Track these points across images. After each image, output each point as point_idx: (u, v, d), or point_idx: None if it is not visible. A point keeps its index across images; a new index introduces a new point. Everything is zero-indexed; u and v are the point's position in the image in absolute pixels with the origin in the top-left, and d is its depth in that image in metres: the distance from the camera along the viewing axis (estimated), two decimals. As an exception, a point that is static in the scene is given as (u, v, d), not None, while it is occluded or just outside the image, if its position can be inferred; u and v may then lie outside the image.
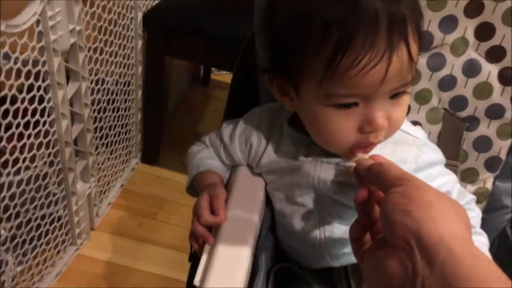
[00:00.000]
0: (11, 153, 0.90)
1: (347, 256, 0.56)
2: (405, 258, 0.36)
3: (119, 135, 1.37)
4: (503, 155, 0.67)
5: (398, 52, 0.45)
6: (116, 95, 1.29)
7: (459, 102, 0.66)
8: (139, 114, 1.47)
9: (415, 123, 0.67)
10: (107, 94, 1.24)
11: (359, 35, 0.44)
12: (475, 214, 0.60)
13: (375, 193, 0.46)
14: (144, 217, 1.39)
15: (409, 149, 0.56)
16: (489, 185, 0.69)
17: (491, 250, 0.66)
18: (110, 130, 1.30)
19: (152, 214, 1.40)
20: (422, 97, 0.67)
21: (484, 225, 0.64)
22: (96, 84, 1.16)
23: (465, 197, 0.60)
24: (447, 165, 0.64)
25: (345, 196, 0.55)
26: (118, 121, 1.34)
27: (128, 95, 1.37)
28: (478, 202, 0.68)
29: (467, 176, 0.69)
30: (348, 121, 0.49)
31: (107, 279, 1.20)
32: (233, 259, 0.48)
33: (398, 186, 0.41)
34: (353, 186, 0.54)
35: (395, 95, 0.49)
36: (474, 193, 0.69)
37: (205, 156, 0.65)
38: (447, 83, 0.66)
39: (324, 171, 0.55)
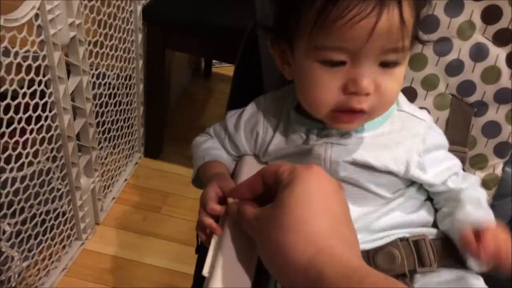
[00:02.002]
0: (14, 149, 0.89)
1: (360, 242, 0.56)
2: None
3: (121, 130, 1.36)
4: (512, 140, 0.66)
5: (389, 11, 0.46)
6: (118, 89, 1.28)
7: (467, 87, 0.65)
8: (141, 108, 1.46)
9: (422, 109, 0.66)
10: (109, 88, 1.23)
11: None
12: (480, 194, 0.59)
13: None
14: (148, 211, 1.38)
15: (417, 131, 0.56)
16: (498, 171, 0.68)
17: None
18: (112, 124, 1.29)
19: (157, 208, 1.40)
20: (429, 83, 0.66)
21: (494, 212, 0.63)
22: (97, 78, 1.15)
23: (468, 179, 0.59)
24: (456, 152, 0.63)
25: (358, 177, 0.55)
26: (120, 115, 1.33)
27: (130, 89, 1.36)
28: (487, 188, 0.67)
29: (476, 163, 0.68)
30: (333, 79, 0.49)
31: (113, 273, 1.20)
32: (241, 250, 0.47)
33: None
34: (365, 167, 0.54)
35: (386, 65, 0.49)
36: (484, 179, 0.68)
37: (210, 147, 0.64)
38: (454, 68, 0.64)
39: (335, 153, 0.55)
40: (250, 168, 0.60)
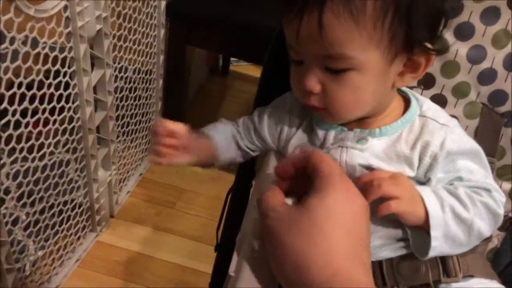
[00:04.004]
0: (37, 139, 0.90)
1: (382, 249, 0.55)
2: None
3: (139, 124, 1.37)
4: (541, 153, 0.65)
5: (309, 18, 0.47)
6: (138, 83, 1.28)
7: (499, 97, 0.64)
8: (160, 103, 1.47)
9: (452, 117, 0.65)
10: (129, 82, 1.23)
11: None
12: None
13: None
14: (162, 206, 1.39)
15: (436, 134, 0.54)
16: (526, 183, 0.67)
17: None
18: (131, 118, 1.29)
19: (171, 203, 1.40)
20: (460, 91, 0.65)
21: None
22: (119, 72, 1.16)
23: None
24: None
25: None
26: (139, 109, 1.34)
27: (149, 84, 1.37)
28: (513, 200, 0.67)
29: (503, 174, 0.67)
30: (297, 77, 0.53)
31: (125, 266, 1.20)
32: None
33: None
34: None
35: (333, 70, 0.49)
36: (511, 191, 0.67)
37: (219, 128, 0.65)
38: (487, 77, 0.63)
39: (350, 157, 0.55)
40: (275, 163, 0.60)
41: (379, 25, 0.47)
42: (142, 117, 1.37)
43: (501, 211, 0.55)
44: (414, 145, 0.53)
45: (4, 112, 0.78)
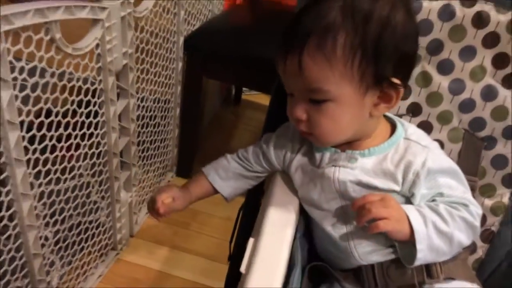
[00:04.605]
0: (69, 162, 1.00)
1: (373, 255, 0.63)
2: None
3: (158, 149, 1.47)
4: (519, 173, 0.74)
5: (292, 59, 0.58)
6: (157, 112, 1.39)
7: (478, 123, 0.73)
8: (176, 130, 1.57)
9: (437, 141, 0.74)
10: (149, 111, 1.34)
11: (285, 36, 0.59)
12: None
13: None
14: (178, 227, 1.47)
15: (419, 154, 0.62)
16: (505, 199, 0.75)
17: (503, 263, 0.72)
18: (150, 144, 1.40)
19: (186, 224, 1.49)
20: (444, 118, 0.74)
21: (498, 238, 0.70)
22: (141, 101, 1.26)
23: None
24: (467, 181, 0.70)
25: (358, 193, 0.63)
26: (157, 136, 1.44)
27: (168, 112, 1.47)
28: (495, 215, 0.75)
29: (485, 191, 0.75)
30: (289, 107, 0.64)
31: (144, 283, 1.28)
32: (275, 251, 0.56)
33: None
34: (370, 187, 0.62)
35: (314, 101, 0.59)
36: (492, 207, 0.75)
37: (221, 166, 0.77)
38: (467, 106, 0.73)
39: (342, 175, 0.64)
40: (282, 184, 0.70)
41: (349, 65, 0.56)
42: (161, 143, 1.48)
43: (478, 223, 0.62)
44: (398, 164, 0.62)
45: (43, 137, 0.89)
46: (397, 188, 0.62)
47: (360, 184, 0.62)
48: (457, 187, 0.64)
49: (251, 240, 0.59)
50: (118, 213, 1.25)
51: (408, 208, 0.60)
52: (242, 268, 0.55)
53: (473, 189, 0.71)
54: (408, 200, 0.63)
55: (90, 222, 1.16)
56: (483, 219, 0.74)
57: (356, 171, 0.63)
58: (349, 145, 0.64)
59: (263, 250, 0.56)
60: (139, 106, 1.25)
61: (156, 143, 1.44)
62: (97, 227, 1.20)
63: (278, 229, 0.60)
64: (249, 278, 0.53)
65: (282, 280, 0.55)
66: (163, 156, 1.53)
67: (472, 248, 0.74)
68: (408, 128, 0.66)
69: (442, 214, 0.60)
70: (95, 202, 1.15)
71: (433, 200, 0.63)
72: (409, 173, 0.61)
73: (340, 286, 0.66)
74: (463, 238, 0.61)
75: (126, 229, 1.33)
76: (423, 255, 0.59)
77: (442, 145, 0.75)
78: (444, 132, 0.75)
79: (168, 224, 1.47)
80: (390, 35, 0.56)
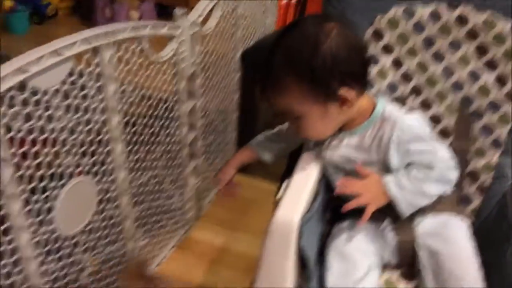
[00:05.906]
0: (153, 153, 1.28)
1: None
2: None
3: (219, 145, 1.73)
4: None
5: (268, 91, 0.82)
6: (217, 115, 1.66)
7: (468, 100, 0.93)
8: (235, 132, 1.83)
9: (435, 115, 0.94)
10: (212, 114, 1.61)
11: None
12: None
13: None
14: (237, 212, 1.71)
15: (390, 129, 0.79)
16: (494, 159, 0.92)
17: (493, 210, 0.90)
18: (213, 142, 1.66)
19: (245, 209, 1.71)
20: (440, 96, 0.94)
21: (491, 190, 0.89)
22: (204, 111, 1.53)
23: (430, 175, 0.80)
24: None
25: (351, 167, 0.84)
26: (219, 137, 1.70)
27: (226, 116, 1.74)
28: (487, 172, 0.93)
29: (478, 153, 0.94)
30: None
31: (208, 255, 1.52)
32: (303, 183, 0.79)
33: None
34: (354, 161, 0.83)
35: (294, 117, 0.81)
36: (484, 165, 0.93)
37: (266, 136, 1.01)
38: (458, 86, 0.93)
39: (332, 151, 0.86)
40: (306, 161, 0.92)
41: (302, 92, 0.78)
42: (220, 144, 1.74)
43: (449, 175, 0.81)
44: (374, 139, 0.81)
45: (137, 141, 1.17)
46: (375, 157, 0.81)
47: (347, 158, 0.84)
48: (427, 151, 0.80)
49: (286, 181, 0.82)
50: (187, 195, 1.52)
51: (385, 178, 0.79)
52: (278, 196, 0.78)
53: (466, 151, 0.92)
54: (388, 169, 0.81)
55: (165, 204, 1.43)
56: (477, 176, 0.94)
57: (342, 147, 0.84)
58: (340, 128, 0.84)
59: (295, 183, 0.79)
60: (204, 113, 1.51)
61: (218, 140, 1.70)
62: (171, 208, 1.46)
63: (306, 172, 0.83)
64: (280, 204, 0.76)
65: (307, 205, 0.77)
66: (224, 153, 1.79)
67: (458, 192, 0.92)
68: (386, 107, 0.82)
69: (412, 178, 0.79)
70: (171, 186, 1.42)
71: (408, 164, 0.80)
72: (381, 146, 0.80)
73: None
74: (434, 189, 0.80)
75: (194, 211, 1.59)
76: (407, 209, 0.79)
77: (440, 118, 0.95)
78: (442, 108, 0.95)
79: (229, 210, 1.71)
80: (321, 64, 0.75)
